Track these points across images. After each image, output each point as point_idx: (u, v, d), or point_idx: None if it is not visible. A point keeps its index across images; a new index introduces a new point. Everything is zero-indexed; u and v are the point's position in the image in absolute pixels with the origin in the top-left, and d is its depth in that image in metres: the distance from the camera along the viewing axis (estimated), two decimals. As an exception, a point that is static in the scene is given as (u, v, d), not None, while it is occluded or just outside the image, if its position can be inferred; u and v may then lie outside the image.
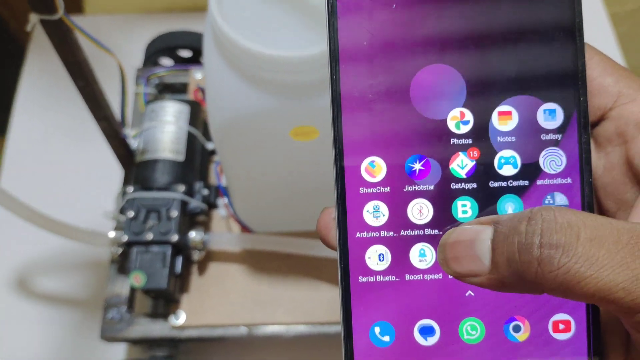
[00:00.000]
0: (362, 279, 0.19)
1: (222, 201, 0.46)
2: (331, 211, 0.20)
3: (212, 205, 0.47)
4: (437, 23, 0.17)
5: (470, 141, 0.19)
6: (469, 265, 0.16)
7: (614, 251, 0.14)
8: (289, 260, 0.45)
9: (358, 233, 0.19)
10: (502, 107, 0.18)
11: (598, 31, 0.65)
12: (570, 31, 0.18)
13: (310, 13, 0.31)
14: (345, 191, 0.19)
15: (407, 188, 0.19)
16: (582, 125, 0.18)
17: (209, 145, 0.48)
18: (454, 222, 0.19)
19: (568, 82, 0.18)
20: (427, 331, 0.19)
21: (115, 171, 0.50)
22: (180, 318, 0.43)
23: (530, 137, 0.18)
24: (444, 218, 0.19)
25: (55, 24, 0.34)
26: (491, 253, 0.16)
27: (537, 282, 0.15)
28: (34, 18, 0.34)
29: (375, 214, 0.19)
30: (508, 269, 0.15)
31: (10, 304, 0.51)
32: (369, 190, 0.19)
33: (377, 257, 0.19)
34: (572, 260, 0.15)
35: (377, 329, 0.19)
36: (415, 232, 0.19)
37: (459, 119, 0.19)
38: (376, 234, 0.19)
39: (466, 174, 0.19)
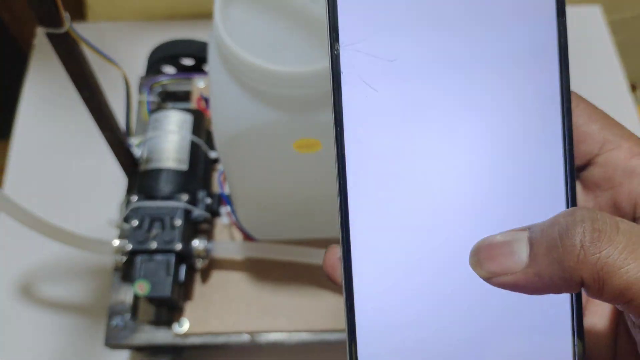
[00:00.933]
0: None
1: (224, 209, 0.47)
2: (336, 251, 0.20)
3: (215, 214, 0.47)
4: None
5: None
6: (505, 262, 0.16)
7: None
8: (291, 268, 0.46)
9: None
10: None
11: (597, 39, 0.65)
12: (558, 80, 0.18)
13: (313, 28, 0.31)
14: (349, 235, 0.18)
15: None
16: (569, 171, 0.18)
17: (212, 154, 0.49)
18: None
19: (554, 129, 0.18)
20: None
21: (118, 179, 0.50)
22: (183, 325, 0.43)
23: None
24: None
25: (61, 37, 0.34)
26: (529, 248, 0.16)
27: (577, 269, 0.15)
28: (40, 32, 0.35)
29: None
30: (547, 258, 0.15)
31: (15, 310, 0.51)
32: None
33: None
34: (613, 245, 0.15)
35: None
36: None
37: None
38: None
39: None
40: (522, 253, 0.16)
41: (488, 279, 0.17)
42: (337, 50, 0.18)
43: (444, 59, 0.18)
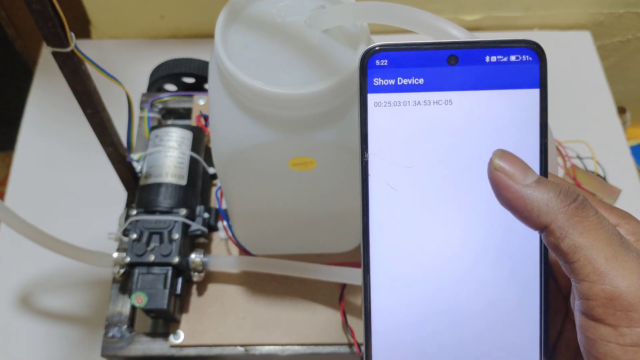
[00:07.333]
0: None
1: (221, 224, 0.48)
2: None
3: (212, 228, 0.48)
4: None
5: None
6: (516, 170, 0.20)
7: (620, 247, 0.19)
8: (285, 282, 0.47)
9: None
10: None
11: (586, 63, 0.67)
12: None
13: (309, 52, 0.33)
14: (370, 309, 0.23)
15: None
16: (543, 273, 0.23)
17: (211, 170, 0.50)
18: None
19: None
20: None
21: (118, 192, 0.51)
22: (179, 337, 0.44)
23: None
24: None
25: (67, 56, 0.36)
26: (537, 179, 0.20)
27: (556, 213, 0.19)
28: (45, 48, 0.36)
29: None
30: (545, 190, 0.20)
31: (14, 320, 0.52)
32: None
33: None
34: (588, 220, 0.19)
35: None
36: None
37: None
38: None
39: None
40: (531, 177, 0.20)
41: (494, 169, 0.20)
42: (367, 158, 0.22)
43: (450, 165, 0.22)
